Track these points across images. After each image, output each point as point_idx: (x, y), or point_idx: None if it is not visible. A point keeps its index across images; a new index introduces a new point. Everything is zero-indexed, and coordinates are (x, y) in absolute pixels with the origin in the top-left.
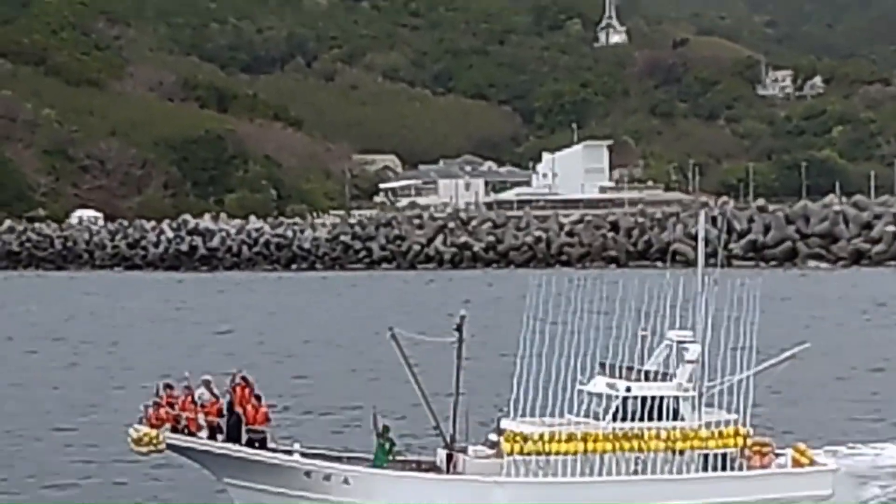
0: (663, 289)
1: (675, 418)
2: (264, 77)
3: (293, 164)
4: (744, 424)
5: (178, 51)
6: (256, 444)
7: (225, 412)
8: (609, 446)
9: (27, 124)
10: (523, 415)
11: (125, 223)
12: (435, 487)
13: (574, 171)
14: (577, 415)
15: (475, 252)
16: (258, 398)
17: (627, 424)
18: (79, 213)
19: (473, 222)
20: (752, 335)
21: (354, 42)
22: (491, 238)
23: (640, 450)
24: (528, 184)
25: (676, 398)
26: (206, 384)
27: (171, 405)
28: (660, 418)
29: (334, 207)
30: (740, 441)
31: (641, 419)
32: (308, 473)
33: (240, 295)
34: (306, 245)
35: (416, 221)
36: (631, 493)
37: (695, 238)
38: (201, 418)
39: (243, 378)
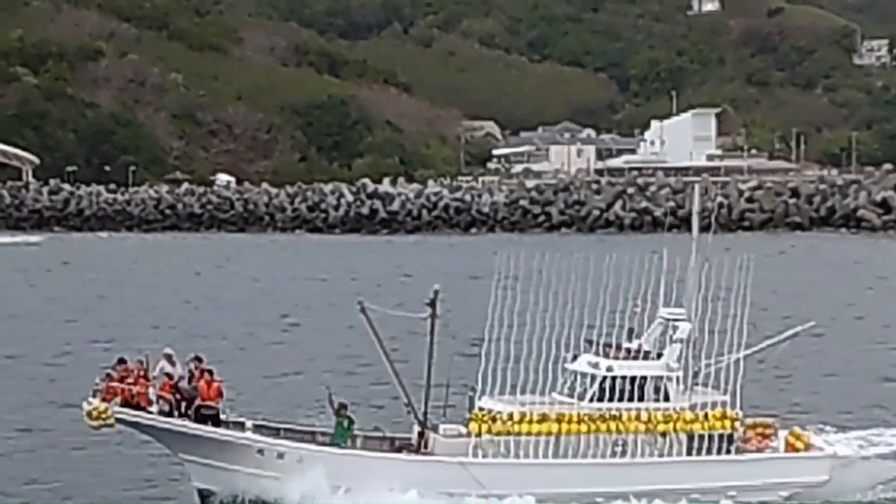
0: (656, 262)
1: (659, 399)
2: (363, 43)
3: (412, 130)
4: (733, 406)
5: (277, 17)
6: (209, 421)
7: (187, 387)
8: (585, 427)
9: (155, 88)
10: (501, 393)
11: (303, 186)
12: (392, 467)
13: (682, 139)
14: (562, 394)
15: (655, 217)
16: (210, 373)
17: (607, 405)
18: (220, 176)
19: (652, 188)
20: (744, 311)
21: (450, 8)
22: (671, 203)
23: (620, 431)
24: (632, 151)
25: (661, 378)
26: (168, 357)
27: (124, 379)
28: (642, 399)
29: (453, 174)
30: (728, 424)
31: (622, 399)
32: (261, 451)
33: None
34: (485, 209)
35: (595, 187)
36: (609, 477)
37: (879, 205)
38: (152, 392)
39: (196, 357)
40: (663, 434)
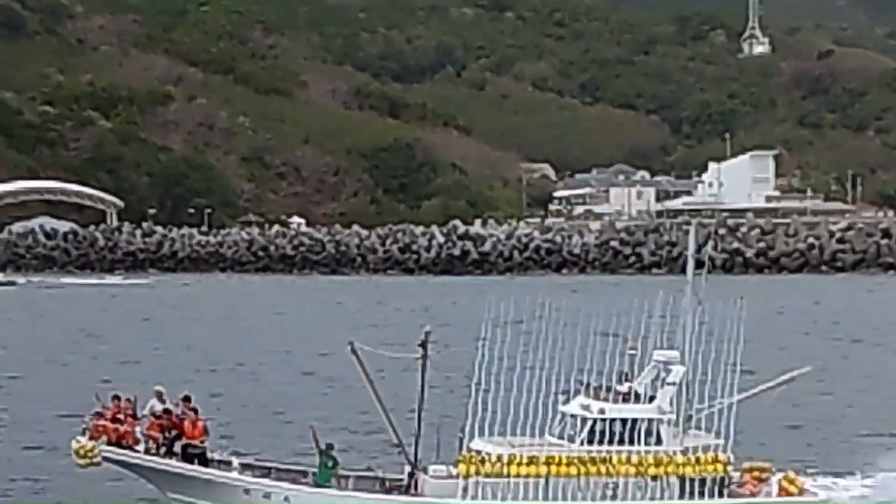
0: (652, 305)
1: (651, 442)
2: (417, 86)
3: (475, 172)
4: (726, 450)
5: (331, 60)
6: (195, 460)
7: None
8: (575, 470)
9: (224, 132)
10: (492, 436)
11: (393, 227)
12: None
13: (740, 181)
14: (555, 436)
15: (746, 258)
16: (195, 412)
17: (597, 448)
18: (295, 219)
19: (742, 229)
20: (737, 355)
21: (502, 52)
22: (762, 244)
23: (610, 474)
24: (688, 193)
25: (653, 421)
26: (158, 395)
27: (116, 418)
28: (633, 442)
29: (519, 216)
30: (720, 467)
31: (613, 442)
32: (247, 491)
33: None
34: (576, 250)
35: (685, 228)
36: None
37: None
38: (138, 431)
39: (185, 397)
40: (655, 477)
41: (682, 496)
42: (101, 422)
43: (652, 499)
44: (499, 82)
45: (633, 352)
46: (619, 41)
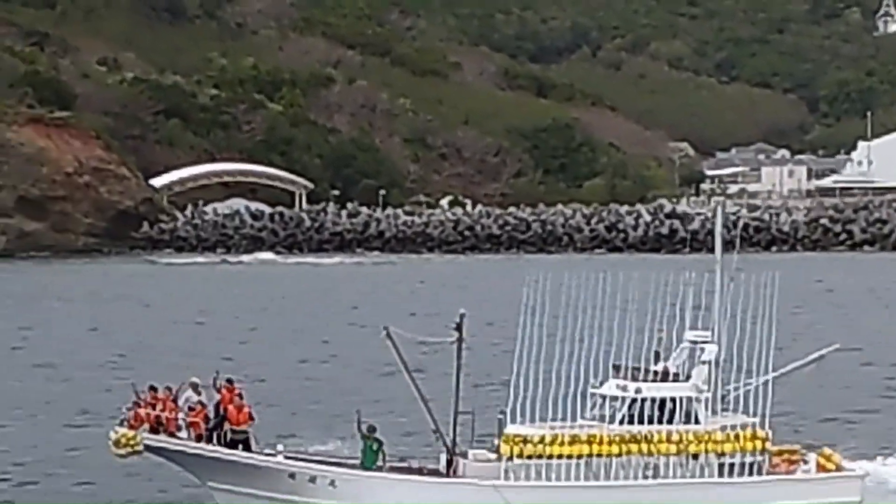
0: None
1: (688, 421)
2: (554, 66)
3: (630, 152)
4: (762, 427)
5: (467, 41)
6: (239, 446)
7: (211, 416)
8: (616, 449)
9: (385, 114)
10: (531, 419)
11: (598, 206)
12: (426, 490)
13: (890, 159)
14: (591, 418)
15: None
16: (240, 397)
17: (637, 427)
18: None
19: None
20: (771, 333)
21: (636, 31)
22: None
23: (650, 453)
24: (833, 171)
25: (689, 399)
26: (194, 387)
27: (154, 407)
28: (671, 421)
29: (677, 195)
30: (759, 444)
31: (652, 421)
32: (293, 475)
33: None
34: (785, 228)
35: (894, 205)
36: (641, 498)
37: None
38: (181, 418)
39: (228, 380)
40: (694, 456)
41: (721, 474)
42: (142, 411)
43: (692, 477)
44: (635, 62)
45: (661, 333)
46: (753, 20)
